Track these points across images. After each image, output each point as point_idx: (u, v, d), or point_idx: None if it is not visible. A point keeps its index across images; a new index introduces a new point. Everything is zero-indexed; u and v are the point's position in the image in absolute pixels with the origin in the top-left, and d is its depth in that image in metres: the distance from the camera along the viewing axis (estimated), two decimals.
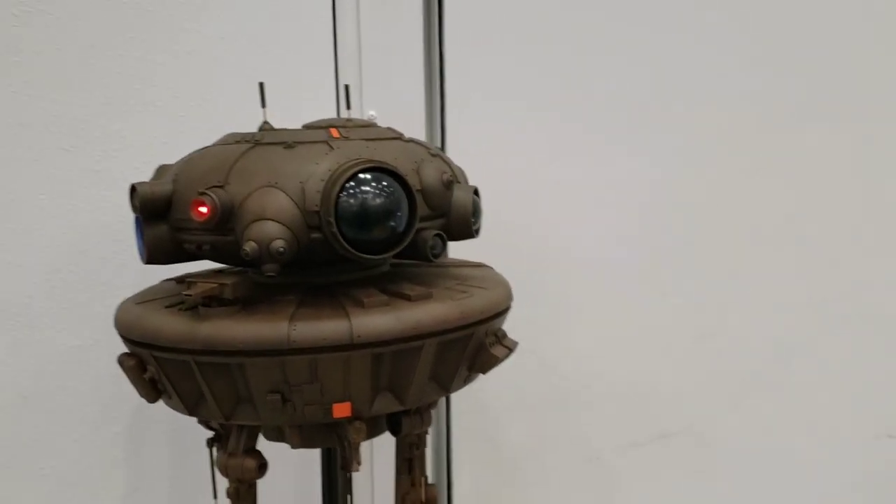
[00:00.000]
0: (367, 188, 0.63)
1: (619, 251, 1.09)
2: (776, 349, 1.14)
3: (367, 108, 0.98)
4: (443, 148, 1.02)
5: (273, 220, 0.62)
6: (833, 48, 1.08)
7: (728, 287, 1.11)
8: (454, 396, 1.07)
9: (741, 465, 1.17)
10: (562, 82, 1.05)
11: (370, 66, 0.97)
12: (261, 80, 0.70)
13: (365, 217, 0.62)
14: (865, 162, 1.11)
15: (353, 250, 0.63)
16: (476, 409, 1.09)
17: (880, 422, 1.19)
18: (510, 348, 0.73)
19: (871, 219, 1.12)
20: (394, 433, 0.74)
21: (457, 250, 0.93)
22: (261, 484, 0.73)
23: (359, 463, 0.67)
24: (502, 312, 0.73)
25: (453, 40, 1.02)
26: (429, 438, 1.06)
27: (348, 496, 0.83)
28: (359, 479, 1.06)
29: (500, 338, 0.74)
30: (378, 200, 0.63)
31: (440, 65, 1.00)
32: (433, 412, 1.01)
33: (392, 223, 0.64)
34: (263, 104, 0.71)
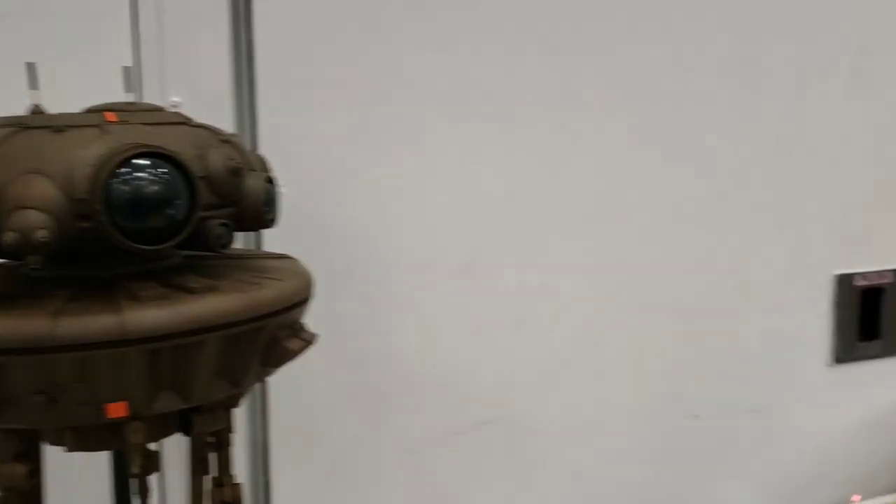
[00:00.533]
0: (142, 174, 0.59)
1: (437, 243, 1.09)
2: (586, 336, 1.18)
3: (170, 95, 0.94)
4: (254, 137, 0.99)
5: (35, 208, 0.57)
6: (629, 51, 1.13)
7: (540, 277, 1.14)
8: (272, 393, 1.04)
9: (558, 449, 1.20)
10: (382, 69, 1.04)
11: (172, 48, 0.93)
12: (29, 61, 0.65)
13: (138, 204, 0.59)
14: (660, 159, 1.17)
15: (126, 240, 0.59)
16: (295, 405, 1.07)
17: (685, 403, 1.27)
18: (308, 341, 0.72)
19: (672, 211, 1.19)
20: (185, 433, 0.70)
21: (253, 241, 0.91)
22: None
23: (139, 466, 0.63)
24: (298, 304, 0.71)
25: (265, 18, 0.99)
26: (243, 437, 1.04)
27: (145, 499, 0.79)
28: (171, 480, 1.02)
29: (297, 330, 0.72)
30: (153, 187, 0.60)
31: (248, 49, 0.96)
32: (254, 410, 0.98)
33: (170, 211, 0.61)
34: (34, 86, 0.66)
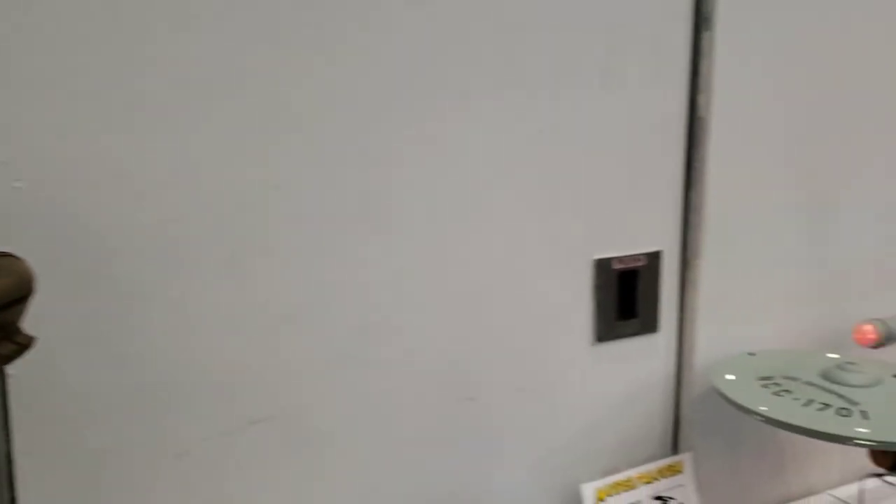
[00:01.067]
0: None
1: (198, 237, 1.06)
2: (360, 327, 1.19)
3: None
4: None
5: None
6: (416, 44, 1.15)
7: (310, 270, 1.14)
8: (14, 402, 0.97)
9: (336, 441, 1.21)
10: (129, 55, 1.00)
11: None
12: None
13: None
14: (438, 149, 1.20)
15: None
16: (44, 414, 1.01)
17: (460, 386, 1.31)
18: (23, 345, 0.68)
19: (444, 202, 1.22)
20: None
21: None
22: None
23: None
24: (8, 305, 0.67)
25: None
26: None
27: None
28: None
29: (11, 333, 0.68)
30: None
31: None
32: None
33: None
34: None
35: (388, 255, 1.19)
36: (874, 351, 1.51)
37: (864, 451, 1.42)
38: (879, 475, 1.73)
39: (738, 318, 1.54)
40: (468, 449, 1.33)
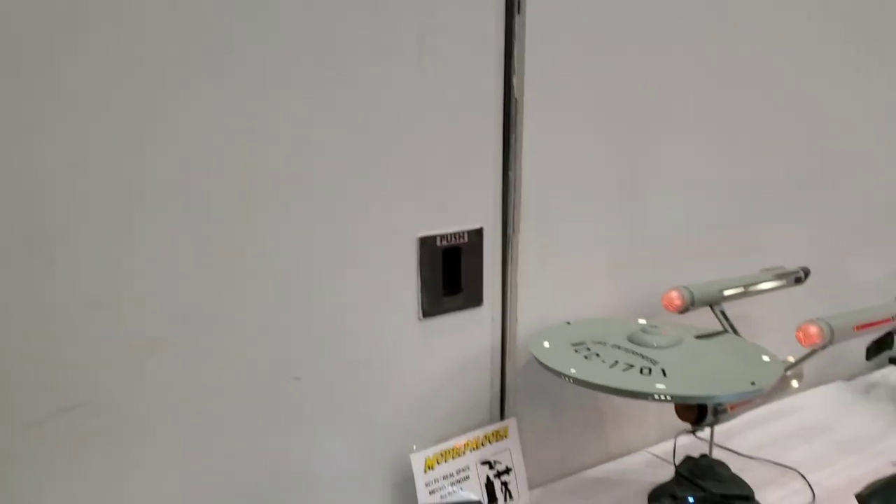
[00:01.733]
0: None
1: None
2: (177, 311, 1.18)
3: None
4: None
5: None
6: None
7: (119, 254, 1.11)
8: None
9: (156, 427, 1.19)
10: None
11: None
12: None
13: None
14: (248, 131, 1.19)
15: None
16: None
17: (287, 367, 1.31)
18: None
19: (268, 182, 1.22)
20: None
21: None
22: None
23: None
24: None
25: None
26: None
27: None
28: None
29: None
30: None
31: None
32: None
33: None
34: None
35: (198, 238, 1.18)
36: (681, 316, 1.63)
37: (675, 412, 1.54)
38: (691, 431, 1.88)
39: (557, 290, 1.63)
40: (296, 427, 1.34)
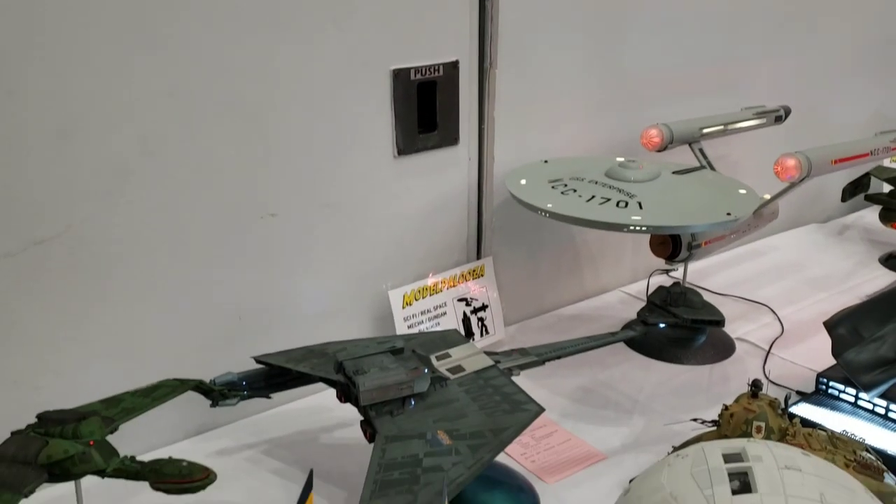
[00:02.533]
0: None
1: None
2: (144, 143, 1.15)
3: None
4: None
5: None
6: None
7: (85, 82, 1.07)
8: None
9: (127, 259, 1.19)
10: None
11: None
12: None
13: None
14: None
15: None
16: None
17: (260, 203, 1.30)
18: None
19: (230, 8, 1.17)
20: None
21: None
22: None
23: None
24: None
25: None
26: None
27: None
28: None
29: None
30: None
31: None
32: None
33: None
34: None
35: (166, 67, 1.14)
36: (659, 154, 1.62)
37: (650, 251, 1.55)
38: (665, 271, 1.91)
39: (534, 128, 1.60)
40: (273, 264, 1.34)
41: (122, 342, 1.21)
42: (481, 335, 1.58)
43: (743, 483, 0.72)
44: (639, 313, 1.43)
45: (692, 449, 0.80)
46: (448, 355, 1.16)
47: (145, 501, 1.14)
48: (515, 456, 1.27)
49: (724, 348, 1.59)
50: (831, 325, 1.37)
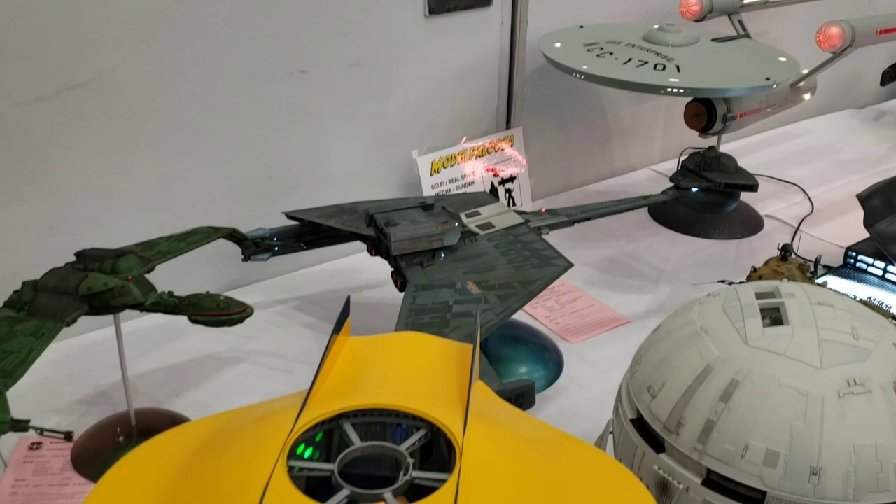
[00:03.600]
0: None
1: None
2: None
3: None
4: None
5: None
6: None
7: None
8: None
9: (160, 108, 1.18)
10: None
11: None
12: None
13: None
14: None
15: None
16: None
17: (290, 59, 1.29)
18: None
19: None
20: None
21: None
22: None
23: None
24: None
25: None
26: None
27: None
28: None
29: None
30: None
31: None
32: None
33: None
34: None
35: None
36: (698, 24, 1.57)
37: (683, 130, 1.52)
38: (697, 150, 1.88)
39: None
40: (304, 122, 1.34)
41: (156, 193, 1.23)
42: (509, 206, 1.57)
43: (775, 318, 0.73)
44: (672, 178, 1.41)
45: (723, 288, 0.80)
46: (478, 213, 1.16)
47: (182, 347, 1.19)
48: (540, 318, 1.29)
49: (752, 224, 1.58)
50: (864, 197, 1.36)
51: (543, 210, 1.21)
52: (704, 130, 1.50)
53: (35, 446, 0.99)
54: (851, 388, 0.67)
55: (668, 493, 0.72)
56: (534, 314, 1.29)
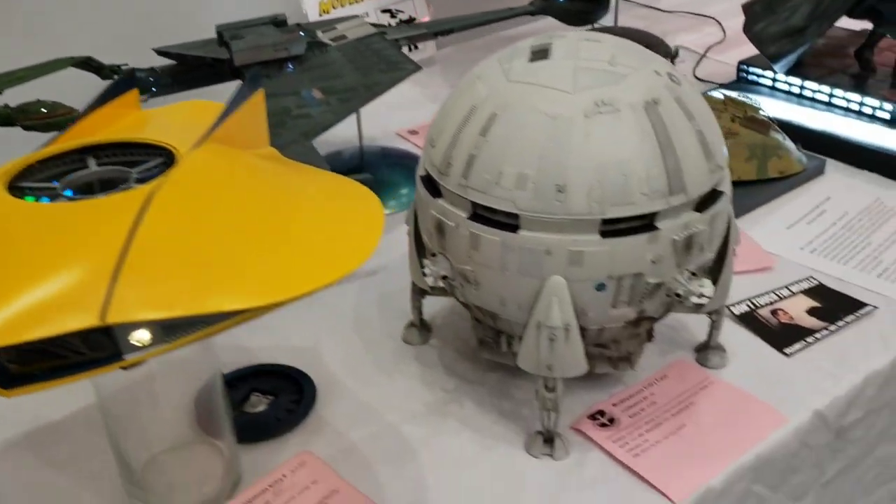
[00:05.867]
0: None
1: None
2: None
3: None
4: None
5: None
6: None
7: None
8: None
9: None
10: None
11: None
12: None
13: None
14: None
15: None
16: None
17: None
18: None
19: None
20: None
21: None
22: None
23: None
24: None
25: None
26: None
27: None
28: None
29: None
30: None
31: None
32: None
33: None
34: None
35: None
36: None
37: None
38: None
39: None
40: None
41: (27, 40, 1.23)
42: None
43: (540, 55, 0.73)
44: None
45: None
46: (334, 28, 1.16)
47: None
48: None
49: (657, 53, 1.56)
50: (748, 5, 1.33)
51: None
52: None
53: None
54: (599, 108, 0.67)
55: (443, 233, 0.74)
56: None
